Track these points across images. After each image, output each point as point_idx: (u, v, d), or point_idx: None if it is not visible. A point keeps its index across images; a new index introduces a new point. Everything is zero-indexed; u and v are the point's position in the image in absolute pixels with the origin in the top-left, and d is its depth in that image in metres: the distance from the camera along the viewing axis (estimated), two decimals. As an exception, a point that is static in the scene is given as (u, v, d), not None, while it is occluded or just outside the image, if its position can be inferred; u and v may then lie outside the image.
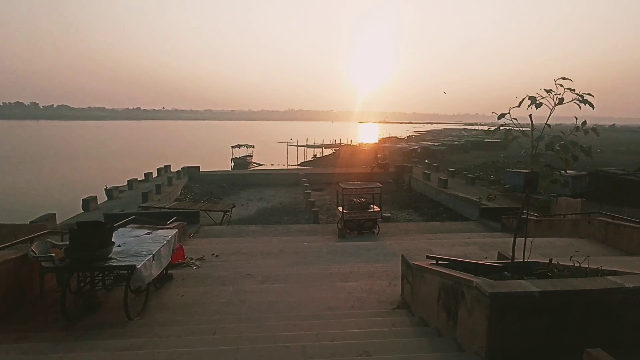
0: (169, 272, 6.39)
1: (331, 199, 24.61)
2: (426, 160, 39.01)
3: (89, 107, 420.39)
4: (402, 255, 5.83)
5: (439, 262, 4.81)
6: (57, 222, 16.12)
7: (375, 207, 14.84)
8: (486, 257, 9.06)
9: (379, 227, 14.71)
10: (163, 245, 5.49)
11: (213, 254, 9.10)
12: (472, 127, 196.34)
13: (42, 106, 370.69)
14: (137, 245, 5.33)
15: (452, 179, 27.49)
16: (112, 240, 5.10)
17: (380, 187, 14.94)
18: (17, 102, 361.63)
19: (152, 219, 12.99)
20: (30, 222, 14.53)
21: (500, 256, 6.06)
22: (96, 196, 19.80)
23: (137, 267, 4.53)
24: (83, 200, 18.99)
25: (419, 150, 54.16)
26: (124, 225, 9.66)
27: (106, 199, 21.64)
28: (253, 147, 51.29)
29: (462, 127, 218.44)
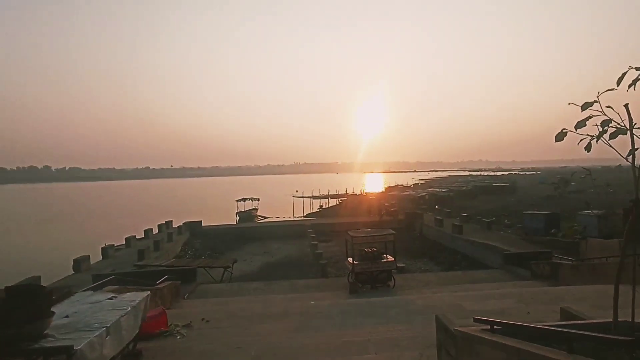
0: (136, 347, 5.05)
1: (340, 249, 23.07)
2: (437, 207, 37.61)
3: (99, 168, 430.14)
4: (437, 318, 4.49)
5: (495, 327, 3.47)
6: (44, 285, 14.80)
7: (388, 256, 13.41)
8: (529, 313, 7.56)
9: (394, 280, 13.18)
10: (126, 314, 4.24)
11: (203, 319, 7.69)
12: (478, 173, 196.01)
13: (55, 169, 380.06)
14: (91, 315, 4.10)
15: (466, 225, 25.95)
16: (54, 310, 3.92)
17: (394, 234, 13.62)
18: (31, 166, 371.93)
19: (139, 279, 11.68)
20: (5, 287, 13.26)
21: (567, 314, 4.64)
22: (89, 256, 18.54)
23: (77, 348, 3.28)
24: (74, 260, 17.71)
25: (426, 197, 52.88)
26: (101, 287, 8.40)
27: (101, 258, 20.36)
28: (258, 200, 50.41)
29: (467, 173, 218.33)
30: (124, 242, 23.87)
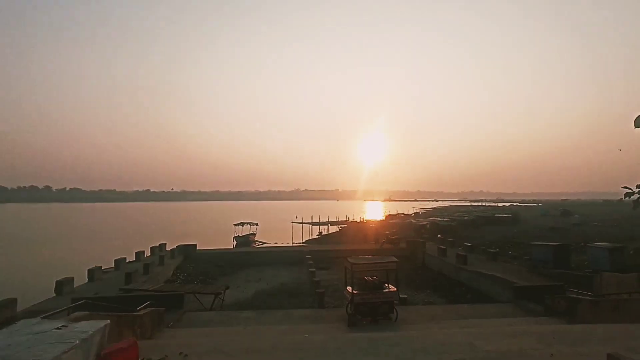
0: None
1: (338, 278, 21.98)
2: (439, 235, 36.56)
3: (100, 190, 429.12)
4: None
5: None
6: (19, 309, 13.78)
7: (391, 286, 12.45)
8: (552, 355, 6.63)
9: (397, 312, 12.16)
10: (71, 349, 3.42)
11: (181, 354, 6.75)
12: (479, 204, 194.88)
13: (55, 189, 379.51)
14: (25, 350, 3.29)
15: (470, 255, 24.93)
16: None
17: (396, 261, 12.70)
18: (32, 185, 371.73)
19: (118, 305, 10.75)
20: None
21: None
22: (73, 278, 17.54)
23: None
24: (56, 282, 16.72)
25: (428, 225, 51.88)
26: (69, 312, 7.52)
27: (87, 280, 19.33)
28: (257, 224, 49.50)
29: (468, 203, 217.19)
30: (113, 265, 22.86)
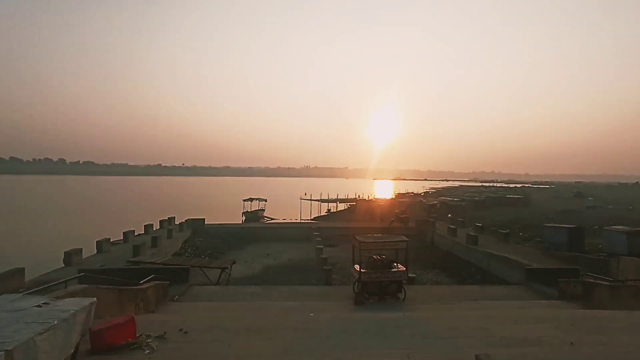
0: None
1: (346, 255, 21.76)
2: (449, 215, 36.04)
3: (112, 164, 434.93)
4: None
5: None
6: (27, 279, 13.85)
7: (399, 265, 12.10)
8: (572, 344, 6.22)
9: (405, 292, 11.86)
10: (48, 330, 3.10)
11: (181, 330, 6.52)
12: (490, 184, 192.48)
13: (69, 162, 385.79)
14: (2, 329, 2.96)
15: (481, 235, 24.43)
16: None
17: (406, 240, 12.29)
18: (46, 158, 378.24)
19: (120, 277, 10.62)
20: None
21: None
22: (81, 249, 17.60)
23: None
24: (65, 253, 16.78)
25: (438, 205, 51.29)
26: (64, 285, 7.32)
27: (96, 252, 19.45)
28: (265, 200, 49.42)
29: (478, 183, 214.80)
30: (122, 237, 22.98)
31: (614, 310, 8.72)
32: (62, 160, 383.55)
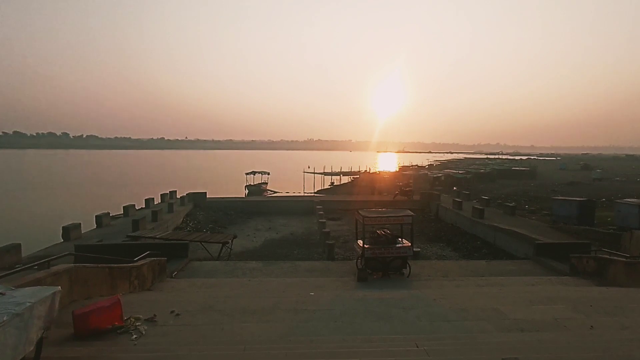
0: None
1: (349, 229, 21.50)
2: (455, 188, 35.47)
3: (116, 137, 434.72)
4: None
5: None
6: (24, 254, 13.63)
7: (404, 241, 11.67)
8: (592, 327, 5.77)
9: (410, 268, 11.48)
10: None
11: (173, 312, 6.13)
12: (496, 157, 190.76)
13: (73, 136, 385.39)
14: None
15: (487, 208, 23.94)
16: None
17: (412, 215, 11.79)
18: (50, 132, 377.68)
19: (111, 254, 10.25)
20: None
21: None
22: (80, 223, 17.31)
23: None
24: (63, 228, 16.50)
25: (442, 178, 50.66)
26: (48, 265, 6.90)
27: (95, 227, 19.21)
28: (268, 174, 48.99)
29: (484, 156, 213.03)
30: (122, 211, 22.72)
31: (632, 288, 8.27)
32: (66, 134, 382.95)
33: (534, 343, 4.95)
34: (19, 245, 13.35)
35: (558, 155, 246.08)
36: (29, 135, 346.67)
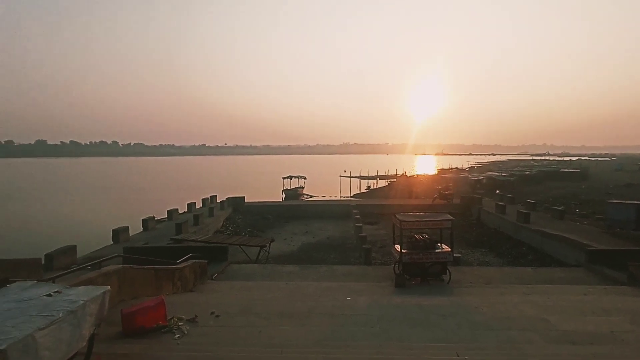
0: (90, 363, 3.69)
1: (386, 233, 21.17)
2: (498, 191, 34.04)
3: (160, 145, 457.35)
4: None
5: None
6: (79, 255, 14.62)
7: (444, 246, 11.32)
8: (654, 342, 5.28)
9: (450, 274, 11.11)
10: (53, 323, 2.82)
11: (213, 313, 6.32)
12: (542, 158, 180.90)
13: (122, 144, 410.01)
14: (1, 323, 2.72)
15: (533, 212, 22.71)
16: None
17: (451, 220, 11.43)
18: (102, 141, 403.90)
19: (156, 257, 10.71)
20: (45, 255, 13.10)
21: None
22: (128, 227, 18.33)
23: None
24: (113, 231, 17.55)
25: (484, 181, 48.72)
26: (99, 266, 7.35)
27: (142, 230, 20.25)
28: (305, 178, 49.46)
29: (529, 157, 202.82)
30: (166, 215, 23.78)
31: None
32: (115, 143, 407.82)
33: (588, 357, 4.62)
34: (75, 247, 14.35)
35: (613, 155, 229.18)
36: (83, 144, 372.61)
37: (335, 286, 10.22)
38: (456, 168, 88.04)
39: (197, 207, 27.73)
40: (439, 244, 11.41)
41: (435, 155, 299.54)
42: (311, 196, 46.48)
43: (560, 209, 23.30)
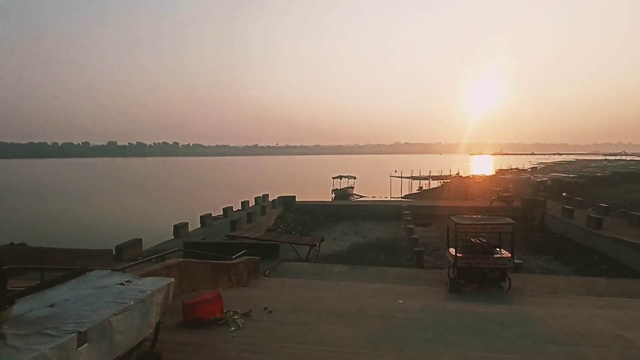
0: (155, 349, 3.96)
1: (439, 236, 20.47)
2: (564, 194, 31.49)
3: (216, 145, 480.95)
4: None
5: None
6: (144, 248, 15.78)
7: (503, 251, 10.69)
8: None
9: (510, 281, 10.46)
10: (124, 311, 3.06)
11: (266, 309, 6.50)
12: (617, 157, 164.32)
13: (182, 145, 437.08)
14: (79, 308, 3.03)
15: (606, 217, 20.68)
16: (54, 290, 3.14)
17: (512, 223, 10.76)
18: (164, 142, 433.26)
19: (214, 252, 11.20)
20: (116, 247, 14.29)
21: None
22: (187, 223, 19.47)
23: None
24: (174, 226, 18.72)
25: (548, 182, 45.21)
26: (162, 258, 7.85)
27: (199, 226, 21.41)
28: (355, 178, 49.30)
29: (601, 157, 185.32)
30: (222, 213, 24.90)
31: None
32: (176, 144, 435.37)
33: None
34: (140, 240, 15.51)
35: None
36: (147, 145, 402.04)
37: (385, 288, 10.06)
38: (516, 168, 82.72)
39: (250, 205, 28.75)
40: (498, 249, 10.79)
41: (493, 155, 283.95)
42: (361, 196, 46.22)
43: (639, 214, 20.99)
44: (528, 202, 27.40)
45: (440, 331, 5.67)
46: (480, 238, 11.29)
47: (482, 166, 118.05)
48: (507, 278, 10.45)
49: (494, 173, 70.87)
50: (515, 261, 11.59)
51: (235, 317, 6.05)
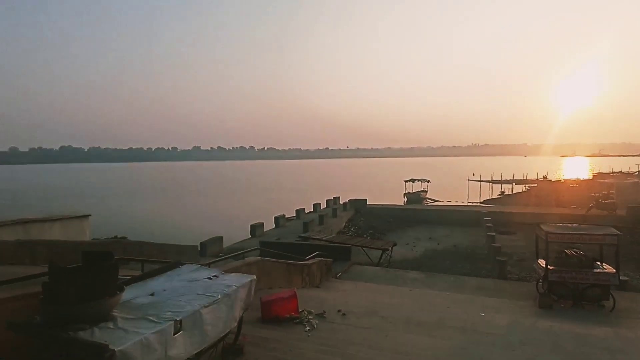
0: (238, 341, 4.15)
1: (525, 246, 18.73)
2: (683, 202, 26.86)
3: (289, 149, 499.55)
4: None
5: None
6: (224, 245, 16.87)
7: (606, 266, 9.41)
8: None
9: (614, 300, 9.16)
10: (212, 303, 3.27)
11: (339, 311, 6.50)
12: None
13: (257, 149, 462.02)
14: (175, 298, 3.30)
15: None
16: (154, 282, 3.53)
17: (617, 235, 9.43)
18: (241, 146, 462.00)
19: (289, 252, 11.53)
20: (200, 243, 15.48)
21: None
22: (263, 223, 20.42)
23: (116, 349, 2.38)
24: (251, 226, 19.74)
25: (662, 188, 38.90)
26: (242, 256, 8.27)
27: (274, 226, 22.29)
28: (428, 181, 47.44)
29: None
30: (295, 214, 25.65)
31: None
32: (252, 148, 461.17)
33: None
34: (221, 238, 16.64)
35: None
36: (227, 149, 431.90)
37: (464, 299, 9.47)
38: (620, 172, 72.69)
39: (321, 208, 29.19)
40: (599, 263, 9.53)
41: (590, 156, 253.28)
42: (435, 200, 44.36)
43: None
44: (636, 210, 23.87)
45: (531, 351, 5.15)
46: (576, 250, 10.08)
47: (576, 169, 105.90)
48: (610, 296, 9.18)
49: (591, 177, 63.08)
50: (621, 278, 10.14)
51: (309, 317, 6.15)
